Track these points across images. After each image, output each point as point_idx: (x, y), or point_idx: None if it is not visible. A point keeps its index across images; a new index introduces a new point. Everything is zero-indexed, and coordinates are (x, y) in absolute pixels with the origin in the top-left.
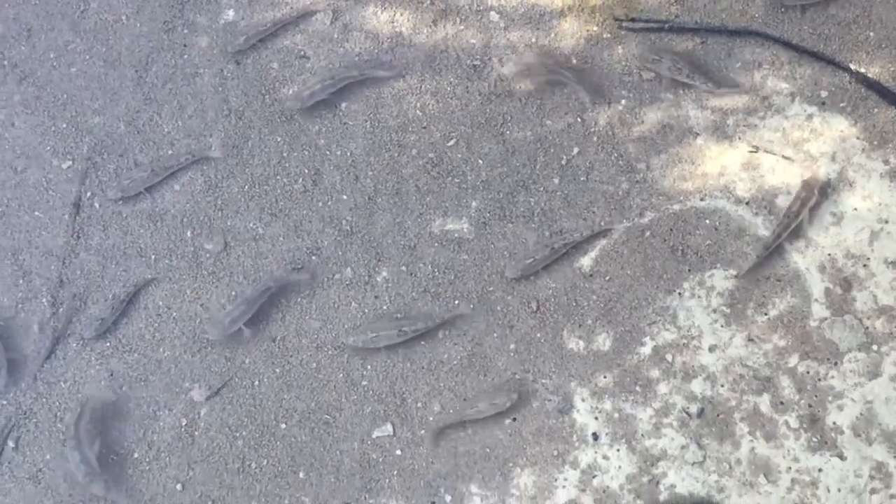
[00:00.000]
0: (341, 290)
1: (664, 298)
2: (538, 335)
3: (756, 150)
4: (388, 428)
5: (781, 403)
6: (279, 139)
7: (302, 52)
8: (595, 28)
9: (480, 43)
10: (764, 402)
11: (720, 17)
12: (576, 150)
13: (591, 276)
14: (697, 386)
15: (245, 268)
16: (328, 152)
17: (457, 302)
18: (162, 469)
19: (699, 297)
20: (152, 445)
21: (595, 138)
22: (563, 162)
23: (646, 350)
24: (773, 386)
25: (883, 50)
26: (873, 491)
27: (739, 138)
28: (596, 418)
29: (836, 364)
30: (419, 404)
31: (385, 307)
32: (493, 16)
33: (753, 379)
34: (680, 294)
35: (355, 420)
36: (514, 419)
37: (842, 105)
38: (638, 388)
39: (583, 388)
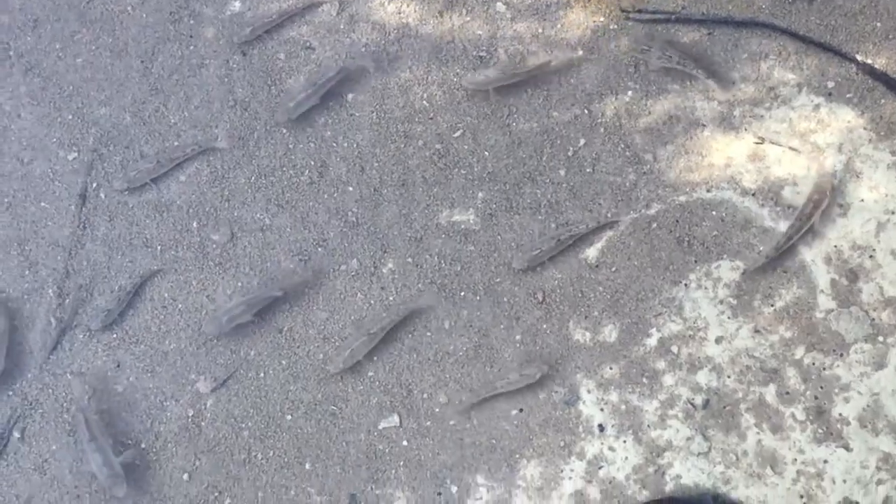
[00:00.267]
0: (347, 282)
1: (670, 290)
2: (544, 326)
3: (762, 142)
4: (395, 419)
5: (787, 394)
6: (285, 130)
7: (308, 44)
8: (602, 19)
9: (487, 34)
10: (770, 394)
11: (727, 7)
12: (582, 141)
13: (597, 267)
14: (703, 377)
15: (252, 259)
16: (334, 144)
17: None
18: (169, 459)
19: (705, 288)
20: (159, 436)
21: (602, 129)
22: (570, 153)
23: (652, 341)
24: (779, 377)
25: (890, 41)
26: (879, 482)
27: (746, 129)
28: (602, 410)
29: (842, 355)
30: (425, 395)
31: (391, 298)
32: (500, 6)
33: (760, 370)
34: (686, 285)
35: (361, 411)
36: (521, 410)
37: (848, 96)
38: (644, 380)
39: (589, 380)
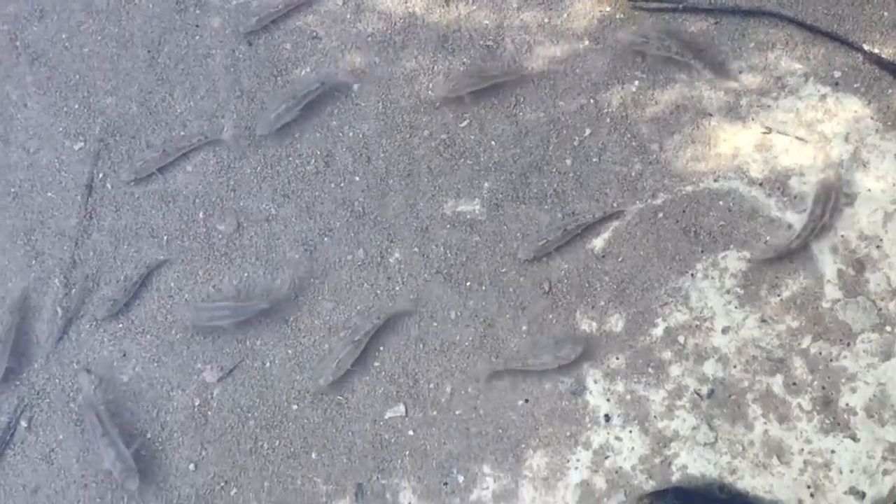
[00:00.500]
0: (353, 272)
1: (677, 280)
2: (550, 316)
3: (769, 131)
4: (401, 409)
5: (794, 385)
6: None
7: (314, 33)
8: (608, 8)
9: (493, 23)
10: (777, 384)
11: None
12: (588, 131)
13: (603, 257)
14: (710, 367)
15: (258, 249)
16: (340, 134)
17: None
18: (175, 449)
19: (712, 278)
20: (165, 426)
21: (608, 119)
22: (576, 143)
23: (658, 331)
24: (785, 367)
25: None
26: (886, 472)
27: (753, 119)
28: (608, 400)
29: (849, 345)
30: (431, 385)
31: (397, 288)
32: None
33: (766, 360)
34: (693, 275)
35: (367, 401)
36: (527, 400)
37: (855, 86)
38: (650, 370)
39: (595, 370)
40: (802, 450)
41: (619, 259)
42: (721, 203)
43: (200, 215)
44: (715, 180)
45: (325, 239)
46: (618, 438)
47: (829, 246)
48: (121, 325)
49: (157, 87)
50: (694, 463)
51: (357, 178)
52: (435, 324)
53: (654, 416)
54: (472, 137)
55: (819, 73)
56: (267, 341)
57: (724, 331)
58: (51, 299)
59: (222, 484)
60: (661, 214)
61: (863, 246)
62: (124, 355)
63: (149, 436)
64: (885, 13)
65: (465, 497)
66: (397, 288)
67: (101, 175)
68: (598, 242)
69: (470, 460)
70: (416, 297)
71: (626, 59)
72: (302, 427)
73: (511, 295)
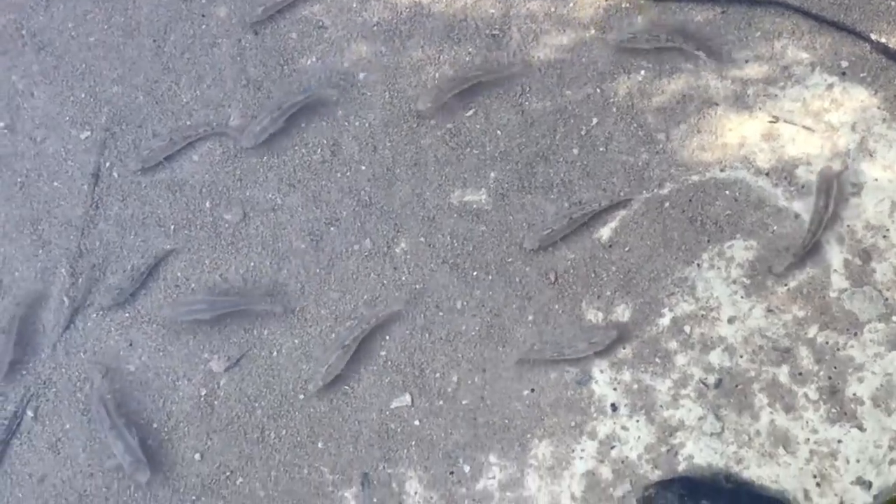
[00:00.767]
0: (360, 262)
1: (683, 269)
2: (556, 306)
3: (776, 121)
4: (407, 398)
5: (800, 374)
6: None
7: (320, 23)
8: None
9: (500, 12)
10: (783, 373)
11: None
12: (595, 120)
13: (610, 247)
14: (716, 357)
15: (264, 238)
16: (346, 123)
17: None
18: (181, 439)
19: (718, 268)
20: (171, 415)
21: (614, 109)
22: (583, 132)
23: (664, 321)
24: (792, 357)
25: None
26: (892, 462)
27: (759, 108)
28: (614, 389)
29: (855, 335)
30: (437, 375)
31: (403, 278)
32: None
33: (773, 350)
34: (699, 265)
35: (373, 391)
36: (533, 390)
37: (862, 75)
38: (656, 360)
39: (601, 360)
40: (809, 439)
41: (626, 249)
42: (727, 193)
43: (207, 205)
44: (721, 170)
45: (332, 228)
46: (624, 428)
47: (835, 236)
48: (127, 315)
49: (164, 77)
50: (700, 452)
51: (363, 168)
52: (441, 313)
53: (660, 406)
54: (478, 127)
55: (826, 63)
56: (274, 331)
57: (731, 321)
58: (57, 289)
59: (228, 473)
60: (667, 204)
61: (869, 236)
62: (131, 345)
63: (155, 425)
64: (892, 2)
65: (472, 486)
66: (403, 278)
67: (107, 164)
68: (604, 232)
69: (476, 450)
70: (408, 299)
71: (633, 49)
72: (308, 417)
73: (517, 285)
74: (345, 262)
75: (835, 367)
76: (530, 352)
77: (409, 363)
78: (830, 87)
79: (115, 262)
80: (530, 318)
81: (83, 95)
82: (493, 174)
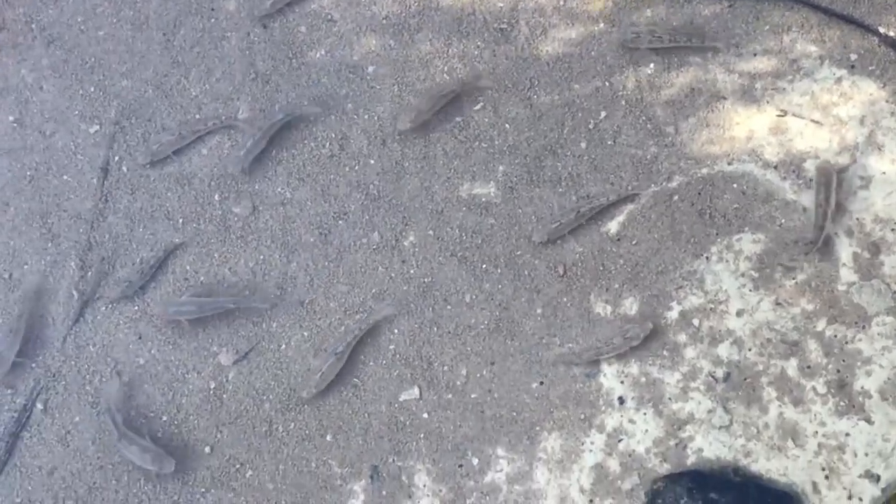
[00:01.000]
0: (368, 255)
1: (692, 262)
2: (565, 299)
3: (784, 114)
4: (415, 391)
5: (809, 368)
6: (306, 103)
7: (329, 16)
8: None
9: (508, 6)
10: (791, 367)
11: None
12: (603, 113)
13: (618, 240)
14: (725, 350)
15: (273, 232)
16: (355, 117)
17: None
18: (190, 432)
19: (727, 261)
20: (181, 408)
21: (623, 102)
22: (591, 126)
23: (673, 314)
24: (800, 350)
25: None
26: None
27: (768, 102)
28: (622, 382)
29: (863, 328)
30: (446, 368)
31: (412, 271)
32: None
33: (781, 343)
34: (707, 258)
35: (382, 384)
36: (541, 383)
37: (871, 68)
38: (665, 353)
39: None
40: (817, 433)
41: (634, 242)
42: (736, 186)
43: (216, 198)
44: (730, 163)
45: (340, 222)
46: (632, 421)
47: (844, 229)
48: (137, 308)
49: (173, 70)
50: (709, 446)
51: (372, 161)
52: (449, 307)
53: (669, 399)
54: (487, 120)
55: (834, 56)
56: (283, 324)
57: (739, 314)
58: (67, 282)
59: (237, 466)
60: (675, 197)
61: (878, 229)
62: (140, 338)
63: (165, 418)
64: None
65: (480, 479)
66: (412, 271)
67: (116, 158)
68: (612, 225)
69: (485, 443)
70: (400, 301)
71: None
72: (317, 410)
73: (526, 278)
74: (353, 255)
75: (843, 361)
76: (569, 354)
77: (417, 356)
78: (839, 80)
79: (125, 255)
80: (539, 311)
81: (92, 89)
82: (501, 167)
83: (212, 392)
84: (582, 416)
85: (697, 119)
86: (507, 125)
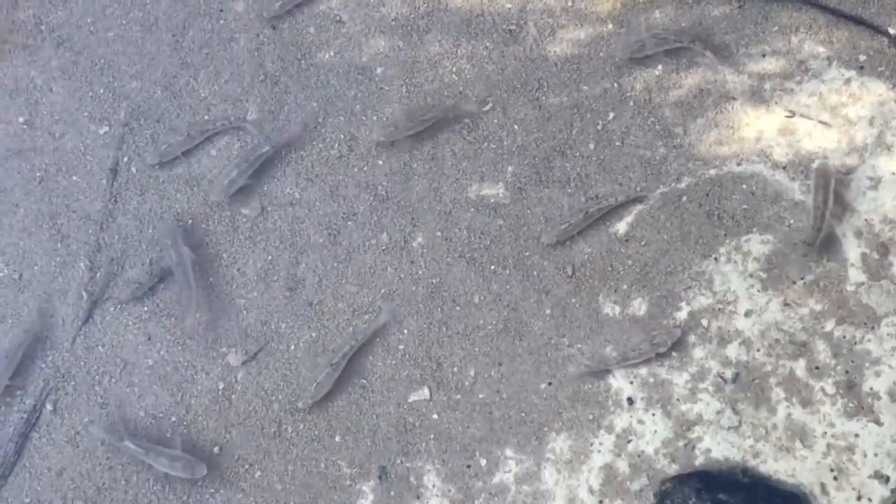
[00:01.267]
0: (377, 255)
1: (700, 263)
2: (574, 300)
3: (793, 115)
4: (425, 392)
5: (817, 368)
6: (315, 104)
7: (338, 17)
8: None
9: (516, 7)
10: (800, 367)
11: None
12: (612, 114)
13: (626, 240)
14: (733, 351)
15: (282, 232)
16: (364, 118)
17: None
18: (199, 432)
19: (735, 261)
20: (189, 409)
21: (631, 103)
22: (600, 127)
23: (681, 315)
24: (809, 351)
25: None
26: None
27: (776, 103)
28: (631, 383)
29: (872, 328)
30: (455, 369)
31: (420, 272)
32: None
33: (789, 344)
34: (716, 259)
35: (391, 384)
36: (550, 384)
37: (880, 69)
38: (673, 353)
39: (618, 353)
40: (826, 433)
41: (643, 243)
42: (744, 187)
43: (225, 199)
44: (738, 164)
45: (349, 223)
46: (640, 422)
47: (852, 229)
48: (146, 309)
49: (182, 72)
50: (717, 446)
51: (380, 162)
52: (458, 307)
53: (678, 400)
54: (496, 121)
55: (843, 57)
56: (291, 325)
57: (748, 314)
58: (76, 283)
59: (246, 467)
60: (684, 198)
61: (887, 229)
62: (149, 338)
63: (173, 419)
64: None
65: (489, 480)
66: (420, 272)
67: (126, 159)
68: (621, 226)
69: (493, 443)
70: (397, 310)
71: (651, 43)
72: (326, 410)
73: (535, 279)
74: (362, 255)
75: (852, 362)
76: (598, 364)
77: (426, 357)
78: (848, 81)
79: (134, 255)
80: (548, 311)
81: (102, 91)
82: (510, 168)
83: (221, 393)
84: (591, 417)
85: (706, 120)
86: (515, 126)
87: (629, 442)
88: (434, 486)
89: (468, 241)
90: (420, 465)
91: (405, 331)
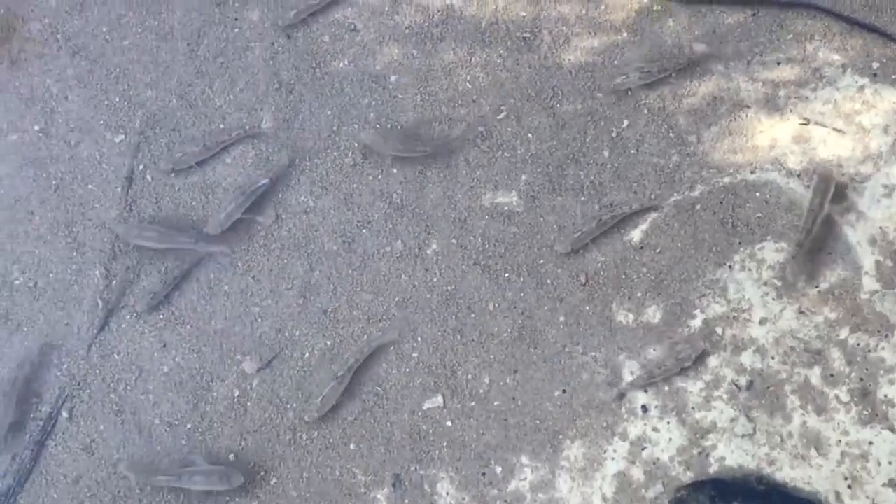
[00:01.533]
0: (391, 263)
1: (714, 271)
2: (587, 308)
3: (807, 123)
4: (439, 399)
5: (832, 376)
6: (329, 112)
7: (353, 26)
8: (645, 0)
9: (530, 15)
10: (814, 375)
11: None
12: (626, 122)
13: (640, 248)
14: (748, 359)
15: (296, 240)
16: (378, 126)
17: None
18: (215, 439)
19: (749, 269)
20: (205, 416)
21: (645, 111)
22: (614, 135)
23: (696, 323)
24: (823, 359)
25: None
26: None
27: (790, 111)
28: (645, 391)
29: (886, 337)
30: (469, 376)
31: (435, 280)
32: None
33: (804, 352)
34: (730, 267)
35: (405, 392)
36: (564, 391)
37: (893, 77)
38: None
39: (632, 361)
40: (840, 441)
41: (657, 251)
42: (758, 195)
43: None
44: (752, 172)
45: (363, 231)
46: (655, 430)
47: (867, 237)
48: (161, 317)
49: (197, 80)
50: (732, 454)
51: (395, 170)
52: (473, 315)
53: (692, 408)
54: (510, 129)
55: (857, 65)
56: (306, 332)
57: (762, 322)
58: (91, 291)
59: (262, 474)
60: (698, 206)
61: None
62: (164, 346)
63: (189, 426)
64: None
65: (503, 488)
66: (435, 279)
67: (141, 167)
68: (635, 234)
69: (508, 451)
70: (402, 326)
71: (664, 51)
72: (340, 418)
73: (549, 286)
74: (376, 263)
75: (866, 369)
76: (632, 382)
77: (440, 364)
78: (862, 88)
79: (149, 264)
80: (562, 319)
81: (117, 99)
82: (524, 176)
83: (236, 400)
84: (605, 425)
85: (720, 128)
86: (529, 134)
87: (644, 449)
88: (448, 493)
89: (482, 248)
90: (434, 472)
91: (419, 338)
